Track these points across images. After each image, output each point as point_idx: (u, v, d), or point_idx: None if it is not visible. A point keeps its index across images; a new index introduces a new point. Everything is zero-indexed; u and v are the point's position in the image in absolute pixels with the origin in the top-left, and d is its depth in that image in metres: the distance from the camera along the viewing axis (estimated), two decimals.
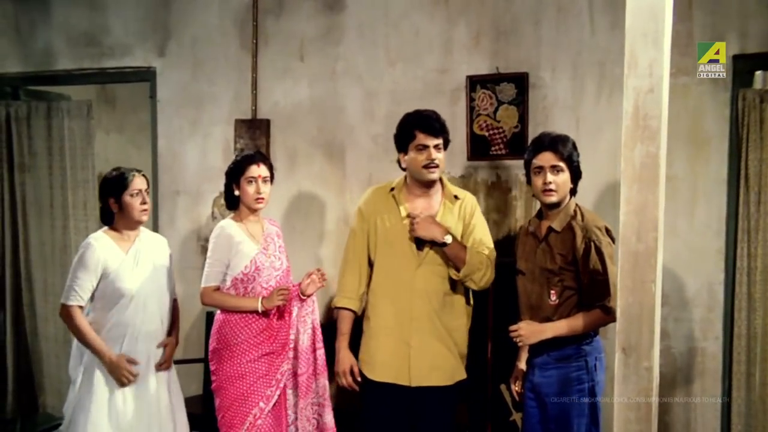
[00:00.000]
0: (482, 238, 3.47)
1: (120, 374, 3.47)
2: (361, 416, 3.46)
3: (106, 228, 3.65)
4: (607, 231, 3.12)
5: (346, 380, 3.44)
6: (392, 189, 3.45)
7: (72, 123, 5.34)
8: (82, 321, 3.49)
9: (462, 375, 3.47)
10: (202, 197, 5.04)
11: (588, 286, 3.07)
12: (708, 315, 4.09)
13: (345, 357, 3.46)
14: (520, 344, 3.19)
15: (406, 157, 3.39)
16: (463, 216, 3.48)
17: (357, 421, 3.53)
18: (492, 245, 3.50)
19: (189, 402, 4.64)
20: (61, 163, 5.35)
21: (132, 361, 3.50)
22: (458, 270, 3.36)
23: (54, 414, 5.42)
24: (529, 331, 3.12)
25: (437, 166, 3.34)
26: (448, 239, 3.29)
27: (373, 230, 3.45)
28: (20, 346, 5.45)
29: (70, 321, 3.50)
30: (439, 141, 3.35)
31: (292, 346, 3.62)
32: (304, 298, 3.62)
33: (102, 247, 3.53)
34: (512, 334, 3.15)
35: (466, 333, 3.53)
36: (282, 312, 3.64)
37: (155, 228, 5.12)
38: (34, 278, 5.40)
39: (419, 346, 3.34)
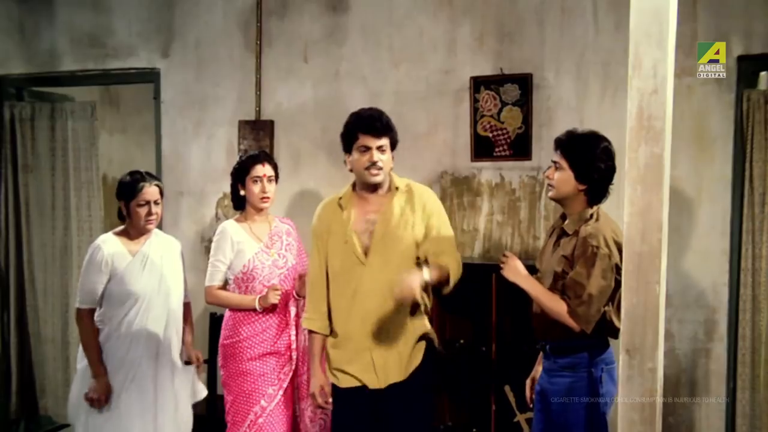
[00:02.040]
0: (440, 225, 3.29)
1: (98, 393, 3.50)
2: (332, 424, 3.36)
3: (116, 229, 3.68)
4: (615, 243, 2.93)
5: (317, 401, 3.29)
6: (340, 199, 3.30)
7: (76, 124, 5.36)
8: (92, 328, 3.53)
9: (418, 360, 3.29)
10: (206, 198, 5.04)
11: (570, 281, 2.97)
12: (712, 316, 4.08)
13: (315, 377, 3.31)
14: (501, 271, 3.10)
15: (350, 159, 3.25)
16: (421, 203, 3.29)
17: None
18: (451, 232, 3.33)
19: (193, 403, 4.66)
20: (65, 164, 5.37)
21: (108, 396, 3.53)
22: (441, 289, 3.21)
23: (54, 417, 5.44)
24: (511, 265, 3.09)
25: (381, 168, 3.18)
26: (426, 275, 3.08)
27: (325, 246, 3.30)
28: (24, 348, 5.46)
29: (82, 325, 3.54)
30: (383, 142, 3.19)
31: (294, 346, 3.64)
32: (298, 298, 3.64)
33: (109, 249, 3.55)
34: (501, 258, 3.13)
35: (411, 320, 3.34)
36: (283, 312, 3.66)
37: (159, 229, 5.13)
38: (36, 280, 5.42)
39: (379, 346, 3.21)
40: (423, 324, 3.28)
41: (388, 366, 3.22)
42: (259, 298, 3.62)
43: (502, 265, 3.11)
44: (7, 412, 5.43)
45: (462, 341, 4.02)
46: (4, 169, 5.43)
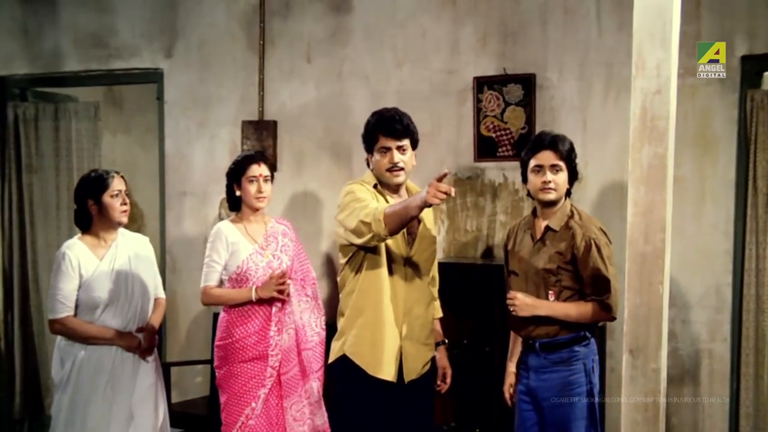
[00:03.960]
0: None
1: (134, 345, 3.54)
2: (354, 413, 3.28)
3: (79, 235, 3.63)
4: (603, 232, 3.14)
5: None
6: (375, 185, 3.29)
7: (79, 124, 5.37)
8: (80, 324, 3.49)
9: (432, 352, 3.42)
10: (209, 198, 5.04)
11: (590, 280, 3.08)
12: (716, 316, 4.08)
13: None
14: (513, 313, 3.16)
15: (372, 159, 3.29)
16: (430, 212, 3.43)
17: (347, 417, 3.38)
18: None
19: (195, 403, 4.67)
20: (68, 165, 5.38)
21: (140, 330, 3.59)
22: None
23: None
24: (524, 303, 3.12)
25: (401, 169, 3.22)
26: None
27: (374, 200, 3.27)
28: (28, 348, 5.46)
29: (67, 330, 3.50)
30: (403, 142, 3.22)
31: (273, 343, 3.63)
32: (282, 298, 3.64)
33: (75, 254, 3.51)
34: (508, 302, 3.16)
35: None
36: (269, 312, 3.66)
37: (162, 228, 5.14)
38: (41, 279, 5.41)
39: (411, 340, 3.26)
40: (439, 329, 3.50)
41: (413, 361, 3.28)
42: (256, 288, 3.60)
43: (512, 309, 3.16)
44: (11, 412, 5.43)
45: (465, 341, 4.01)
46: (8, 169, 5.44)
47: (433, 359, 3.40)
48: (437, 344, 3.45)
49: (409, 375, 3.26)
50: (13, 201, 5.44)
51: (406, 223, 3.01)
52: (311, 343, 3.77)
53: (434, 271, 3.47)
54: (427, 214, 3.35)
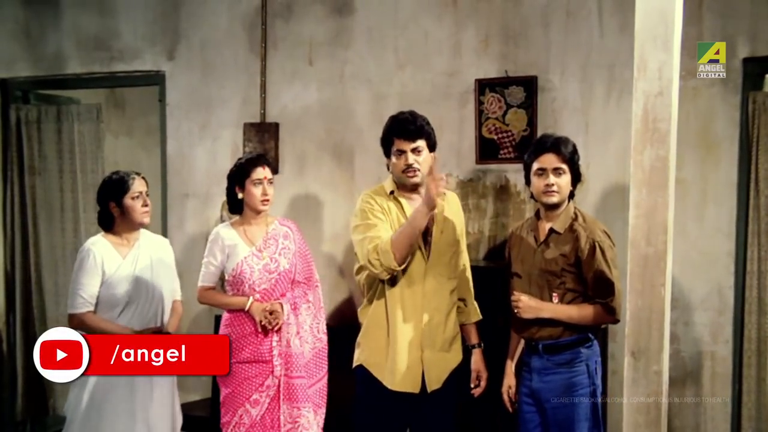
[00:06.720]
0: (463, 237, 3.49)
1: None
2: (372, 421, 3.33)
3: (103, 233, 3.65)
4: (607, 235, 3.15)
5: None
6: (392, 192, 3.33)
7: (82, 126, 5.37)
8: (99, 322, 3.49)
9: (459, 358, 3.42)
10: (211, 200, 5.05)
11: (594, 282, 3.09)
12: (718, 318, 4.07)
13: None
14: (517, 315, 3.18)
15: (390, 162, 3.33)
16: (456, 209, 3.46)
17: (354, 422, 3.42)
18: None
19: (196, 405, 4.66)
20: (71, 167, 5.38)
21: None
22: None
23: (63, 416, 5.44)
24: (527, 305, 3.14)
25: (417, 170, 3.23)
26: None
27: (387, 218, 3.30)
28: (30, 349, 5.45)
29: (85, 326, 3.48)
30: (418, 144, 3.23)
31: (275, 353, 3.63)
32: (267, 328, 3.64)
33: (100, 251, 3.53)
34: (513, 303, 3.18)
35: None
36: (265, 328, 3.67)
37: (164, 230, 5.14)
38: (44, 281, 5.42)
39: (432, 349, 3.27)
40: (474, 331, 3.50)
41: (436, 370, 3.28)
42: (253, 301, 3.63)
43: (517, 310, 3.18)
44: (13, 413, 5.44)
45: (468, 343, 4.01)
46: (11, 171, 5.44)
47: (465, 363, 3.40)
48: (472, 347, 3.46)
49: (432, 384, 3.26)
50: (15, 203, 5.44)
51: (415, 239, 3.13)
52: (314, 350, 3.77)
53: (466, 273, 3.48)
54: (453, 211, 3.39)
